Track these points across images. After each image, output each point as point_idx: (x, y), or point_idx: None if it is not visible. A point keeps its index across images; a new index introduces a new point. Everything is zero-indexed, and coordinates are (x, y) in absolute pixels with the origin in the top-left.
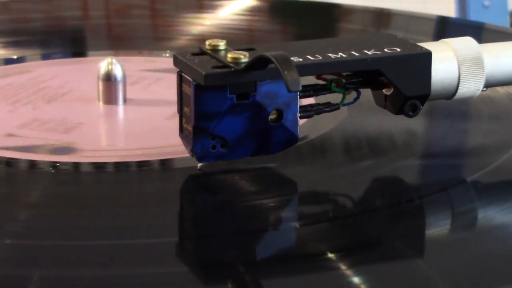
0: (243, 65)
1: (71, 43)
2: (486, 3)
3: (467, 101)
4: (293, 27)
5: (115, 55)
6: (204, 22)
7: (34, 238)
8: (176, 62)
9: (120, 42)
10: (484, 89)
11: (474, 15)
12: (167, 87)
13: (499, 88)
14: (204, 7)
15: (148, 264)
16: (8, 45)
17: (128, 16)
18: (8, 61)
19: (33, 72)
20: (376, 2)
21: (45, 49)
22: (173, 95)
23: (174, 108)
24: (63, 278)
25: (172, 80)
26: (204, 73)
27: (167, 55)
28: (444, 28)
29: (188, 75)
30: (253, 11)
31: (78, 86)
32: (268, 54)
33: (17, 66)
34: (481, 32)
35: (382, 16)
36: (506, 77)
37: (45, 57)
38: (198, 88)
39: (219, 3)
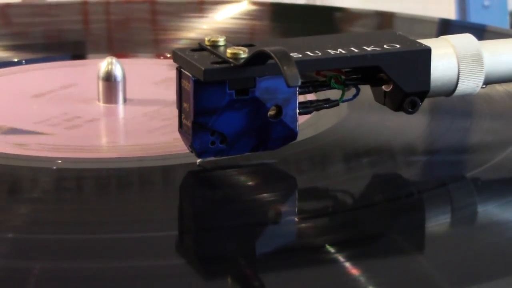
0: (242, 60)
1: (71, 47)
2: (486, 3)
3: (467, 99)
4: (293, 31)
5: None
6: (203, 26)
7: (35, 232)
8: (176, 58)
9: (119, 46)
10: (484, 86)
11: (474, 15)
12: (167, 87)
13: (499, 87)
14: (203, 11)
15: (148, 257)
16: (8, 48)
17: (128, 21)
18: (8, 64)
19: (33, 74)
20: (376, 4)
21: (44, 53)
22: (172, 95)
23: (173, 108)
24: (64, 270)
25: (171, 80)
26: (203, 68)
27: (168, 56)
28: (446, 30)
29: (187, 71)
30: (252, 15)
31: (78, 86)
32: (268, 49)
33: (17, 68)
34: (483, 34)
35: (383, 19)
36: (505, 74)
37: (45, 60)
38: (197, 83)
39: (218, 7)
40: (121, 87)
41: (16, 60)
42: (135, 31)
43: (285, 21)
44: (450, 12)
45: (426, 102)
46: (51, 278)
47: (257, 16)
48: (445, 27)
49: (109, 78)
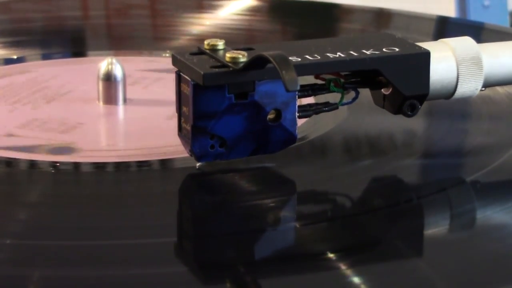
0: (241, 64)
1: (71, 43)
2: (486, 3)
3: (467, 101)
4: (293, 27)
5: (115, 55)
6: (204, 22)
7: (34, 238)
8: (175, 61)
9: (120, 42)
10: (483, 88)
11: (474, 15)
12: (167, 87)
13: (499, 88)
14: (204, 7)
15: (147, 264)
16: (8, 45)
17: (128, 16)
18: (8, 61)
19: (33, 72)
20: (376, 1)
21: (45, 49)
22: (172, 95)
23: (173, 108)
24: (62, 278)
25: (171, 80)
26: (202, 72)
27: (167, 55)
28: (444, 28)
29: (186, 75)
30: (252, 11)
31: (78, 86)
32: (266, 53)
33: (17, 66)
34: (482, 32)
35: (382, 16)
36: (505, 77)
37: (45, 57)
38: (196, 87)
39: (219, 3)
40: (121, 87)
41: (15, 57)
42: (135, 28)
43: (285, 17)
44: (450, 12)
45: (425, 104)
46: (48, 285)
47: (257, 13)
48: (444, 25)
49: (109, 78)
